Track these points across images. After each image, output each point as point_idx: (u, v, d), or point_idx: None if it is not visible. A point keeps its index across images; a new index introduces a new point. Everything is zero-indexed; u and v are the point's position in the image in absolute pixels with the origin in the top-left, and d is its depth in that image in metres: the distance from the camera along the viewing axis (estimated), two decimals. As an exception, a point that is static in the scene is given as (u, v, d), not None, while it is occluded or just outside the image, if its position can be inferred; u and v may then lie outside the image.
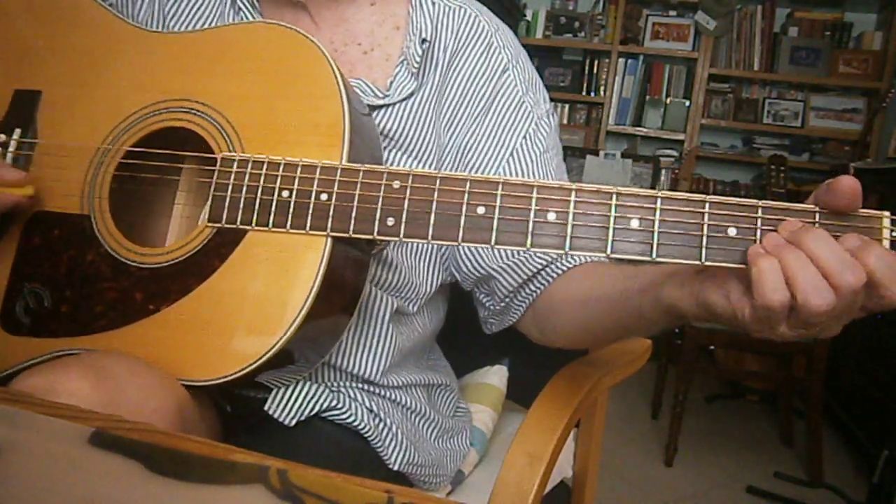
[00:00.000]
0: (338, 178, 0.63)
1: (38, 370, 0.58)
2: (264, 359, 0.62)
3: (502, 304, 0.83)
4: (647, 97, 3.80)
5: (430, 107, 0.81)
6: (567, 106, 3.94)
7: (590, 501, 1.06)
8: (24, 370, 0.62)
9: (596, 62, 3.84)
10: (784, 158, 2.45)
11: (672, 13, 3.78)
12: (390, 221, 0.61)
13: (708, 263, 0.54)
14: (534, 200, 0.59)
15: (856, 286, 0.48)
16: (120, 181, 0.72)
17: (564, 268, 0.79)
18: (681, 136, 3.74)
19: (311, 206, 0.63)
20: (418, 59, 0.80)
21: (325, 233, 0.63)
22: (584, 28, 3.79)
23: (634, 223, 0.56)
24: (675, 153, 3.73)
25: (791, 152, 3.57)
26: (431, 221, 0.61)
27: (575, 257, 0.79)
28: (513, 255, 0.80)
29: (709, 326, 2.31)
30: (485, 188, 0.60)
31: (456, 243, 0.60)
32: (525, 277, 0.80)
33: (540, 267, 0.79)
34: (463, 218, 0.60)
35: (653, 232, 0.56)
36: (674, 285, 0.58)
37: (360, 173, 0.63)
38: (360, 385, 0.81)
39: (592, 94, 3.86)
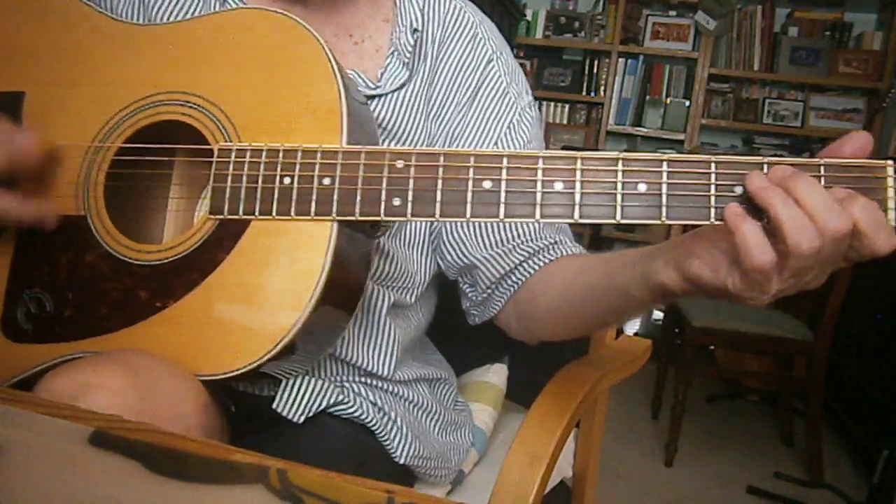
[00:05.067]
0: (340, 161, 0.62)
1: (69, 369, 0.57)
2: (278, 348, 0.61)
3: (484, 295, 0.84)
4: (647, 97, 3.80)
5: (420, 97, 0.82)
6: (567, 106, 3.94)
7: (590, 501, 1.06)
8: (43, 373, 0.61)
9: (596, 62, 3.84)
10: (784, 158, 2.45)
11: (672, 13, 3.77)
12: (397, 201, 0.61)
13: (717, 223, 0.54)
14: (540, 171, 0.58)
15: (842, 231, 0.49)
16: (114, 179, 0.70)
17: (546, 260, 0.80)
18: (681, 136, 3.74)
19: (315, 191, 0.62)
20: (410, 50, 0.81)
21: (330, 217, 0.62)
22: (584, 28, 3.79)
23: (642, 187, 0.56)
24: (675, 153, 3.73)
25: (791, 152, 3.57)
26: (438, 199, 0.60)
27: (556, 251, 0.81)
28: (495, 246, 0.81)
29: (707, 326, 2.31)
30: (490, 162, 0.60)
31: (464, 219, 0.60)
32: (507, 268, 0.81)
33: (522, 258, 0.80)
34: (470, 193, 0.60)
35: (661, 195, 0.56)
36: (659, 261, 0.59)
37: (362, 155, 0.62)
38: (363, 380, 0.81)
39: (592, 94, 3.86)
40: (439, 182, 0.60)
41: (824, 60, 3.56)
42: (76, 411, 0.47)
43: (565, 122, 3.94)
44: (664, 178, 0.56)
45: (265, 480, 0.39)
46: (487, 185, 0.59)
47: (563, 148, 3.66)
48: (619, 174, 0.57)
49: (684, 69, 3.79)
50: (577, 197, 0.57)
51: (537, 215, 0.58)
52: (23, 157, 0.67)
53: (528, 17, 3.82)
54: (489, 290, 0.83)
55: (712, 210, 0.55)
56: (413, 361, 0.89)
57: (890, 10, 3.47)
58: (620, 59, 3.81)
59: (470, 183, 0.60)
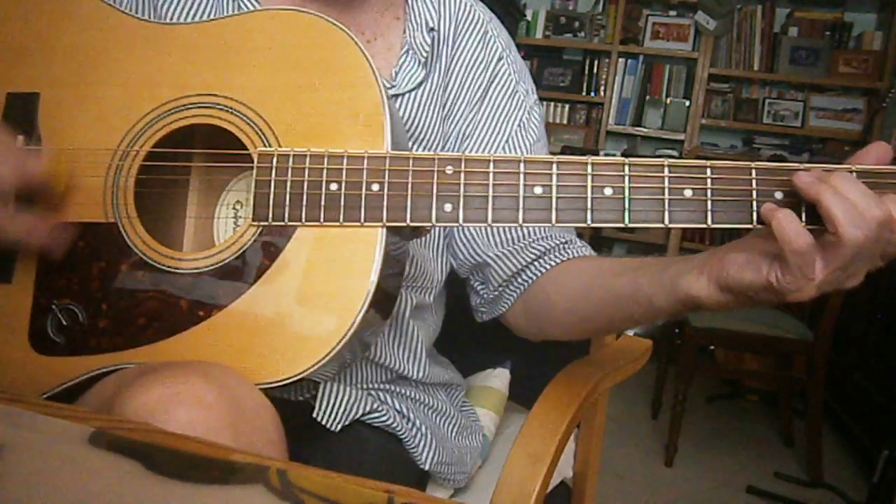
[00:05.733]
0: (387, 167, 0.61)
1: (149, 382, 0.53)
2: (332, 354, 0.60)
3: (495, 293, 0.84)
4: (647, 97, 3.80)
5: (436, 96, 0.82)
6: (567, 106, 3.93)
7: (590, 501, 1.06)
8: (78, 386, 0.60)
9: (596, 62, 3.84)
10: (784, 158, 2.46)
11: (672, 13, 3.77)
12: (448, 207, 0.61)
13: (759, 227, 0.56)
14: (590, 177, 0.59)
15: (881, 217, 0.52)
16: (145, 185, 0.67)
17: (558, 260, 0.80)
18: (681, 136, 3.74)
19: (364, 197, 0.61)
20: (427, 49, 0.80)
21: (381, 223, 0.61)
22: (584, 28, 3.79)
23: (688, 193, 0.58)
24: (675, 153, 3.73)
25: (791, 152, 3.57)
26: (490, 205, 0.60)
27: (567, 250, 0.81)
28: (507, 244, 0.81)
29: (707, 326, 2.31)
30: (540, 168, 0.60)
31: (517, 224, 0.61)
32: (519, 266, 0.81)
33: (534, 257, 0.80)
34: (521, 199, 0.60)
35: (706, 200, 0.58)
36: (691, 273, 0.60)
37: (410, 161, 0.61)
38: (389, 386, 0.82)
39: (592, 94, 3.86)
40: (491, 188, 0.60)
41: (824, 60, 3.56)
42: (76, 411, 0.47)
43: (565, 122, 3.93)
44: (709, 184, 0.58)
45: (265, 480, 0.39)
46: (538, 190, 0.60)
47: (563, 148, 3.67)
48: (666, 180, 0.58)
49: (684, 69, 3.78)
50: (627, 202, 0.59)
51: (588, 220, 0.59)
52: (34, 182, 0.64)
53: (528, 17, 3.82)
54: (500, 288, 0.83)
55: (753, 215, 0.57)
56: (435, 364, 0.89)
57: (890, 10, 3.47)
58: (620, 59, 3.81)
59: (521, 189, 0.60)
